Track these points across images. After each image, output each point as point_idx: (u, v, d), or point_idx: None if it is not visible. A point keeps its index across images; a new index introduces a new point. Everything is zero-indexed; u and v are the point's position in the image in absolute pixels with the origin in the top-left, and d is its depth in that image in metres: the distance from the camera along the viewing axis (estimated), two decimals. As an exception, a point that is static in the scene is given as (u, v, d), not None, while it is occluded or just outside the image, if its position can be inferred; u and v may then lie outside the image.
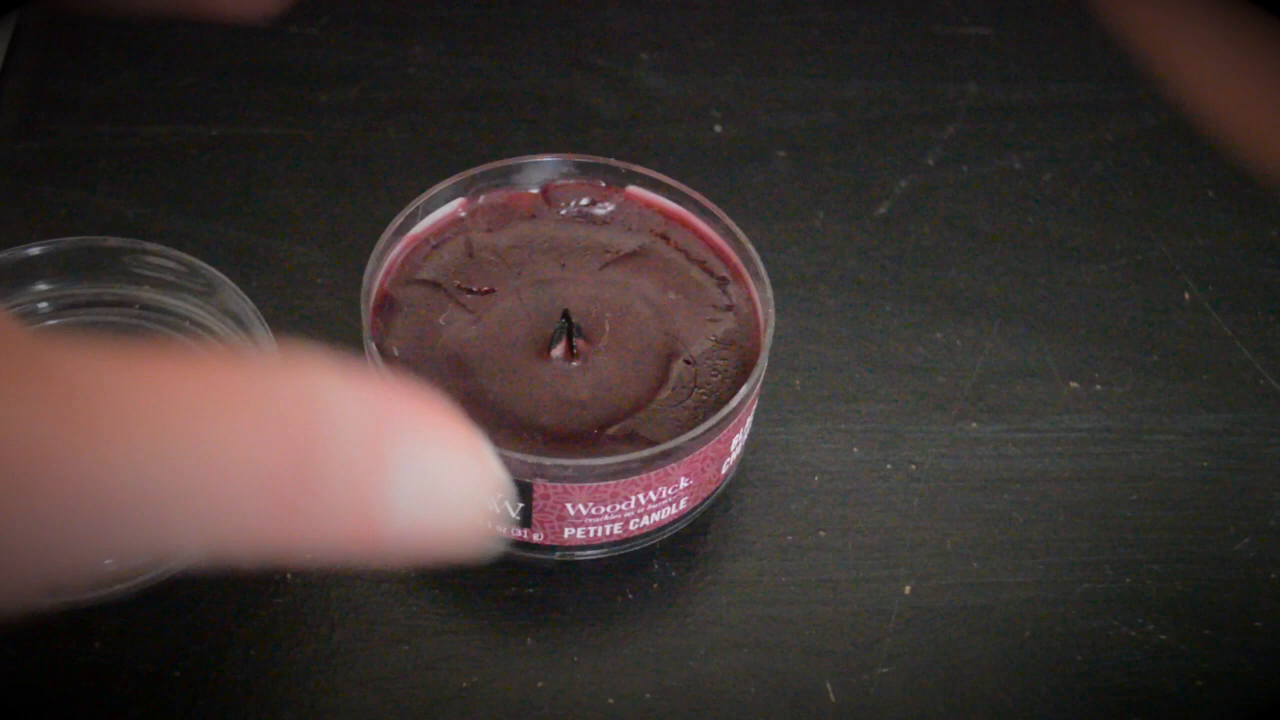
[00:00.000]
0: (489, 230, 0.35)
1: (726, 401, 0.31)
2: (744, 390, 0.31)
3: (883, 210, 0.42)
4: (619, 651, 0.32)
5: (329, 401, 0.21)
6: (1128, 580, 0.34)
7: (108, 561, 0.19)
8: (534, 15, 0.47)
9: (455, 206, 0.35)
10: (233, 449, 0.20)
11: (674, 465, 0.31)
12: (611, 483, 0.30)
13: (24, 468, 0.19)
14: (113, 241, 0.35)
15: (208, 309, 0.35)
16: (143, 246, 0.35)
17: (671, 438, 0.31)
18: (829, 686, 0.32)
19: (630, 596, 0.33)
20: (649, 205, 0.36)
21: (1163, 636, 0.33)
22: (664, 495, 0.31)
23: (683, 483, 0.32)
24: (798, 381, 0.38)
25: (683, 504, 0.32)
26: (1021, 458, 0.37)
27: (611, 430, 0.31)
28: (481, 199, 0.35)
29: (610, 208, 0.36)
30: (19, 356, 0.19)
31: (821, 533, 0.35)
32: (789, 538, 0.35)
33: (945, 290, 0.40)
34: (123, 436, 0.19)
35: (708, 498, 0.33)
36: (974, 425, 0.37)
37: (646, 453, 0.30)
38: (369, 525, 0.21)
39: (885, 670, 0.32)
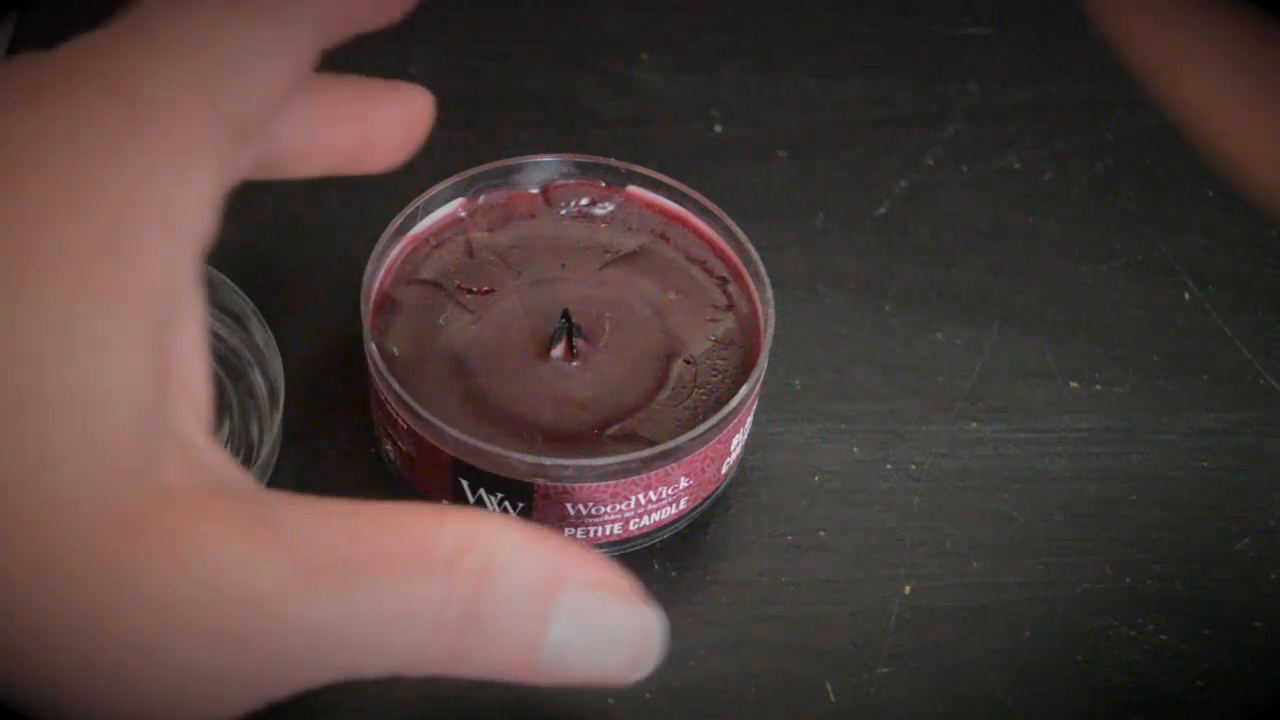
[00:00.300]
0: (489, 230, 0.35)
1: (726, 401, 0.31)
2: (744, 390, 0.31)
3: (883, 210, 0.42)
4: (619, 651, 0.32)
5: (502, 555, 0.25)
6: (1128, 580, 0.34)
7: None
8: (534, 15, 0.47)
9: (455, 206, 0.35)
10: (415, 598, 0.24)
11: (674, 465, 0.31)
12: (611, 483, 0.30)
13: (247, 616, 0.22)
14: None
15: (207, 309, 0.35)
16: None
17: (671, 438, 0.31)
18: (829, 686, 0.32)
19: (630, 596, 0.33)
20: (649, 205, 0.36)
21: (1163, 636, 0.33)
22: (664, 495, 0.31)
23: (683, 483, 0.32)
24: (798, 381, 0.38)
25: (683, 504, 0.32)
26: (1021, 458, 0.37)
27: (611, 430, 0.31)
28: (481, 199, 0.35)
29: (610, 208, 0.36)
30: (251, 513, 0.23)
31: (821, 533, 0.35)
32: (789, 538, 0.35)
33: (945, 290, 0.40)
34: (334, 586, 0.23)
35: (708, 498, 0.33)
36: (974, 425, 0.37)
37: (646, 453, 0.30)
38: (528, 667, 0.25)
39: (885, 670, 0.32)
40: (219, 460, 0.24)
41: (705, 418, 0.31)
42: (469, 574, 0.24)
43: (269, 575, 0.22)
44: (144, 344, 0.22)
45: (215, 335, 0.35)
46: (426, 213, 0.35)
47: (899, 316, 0.40)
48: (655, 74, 0.45)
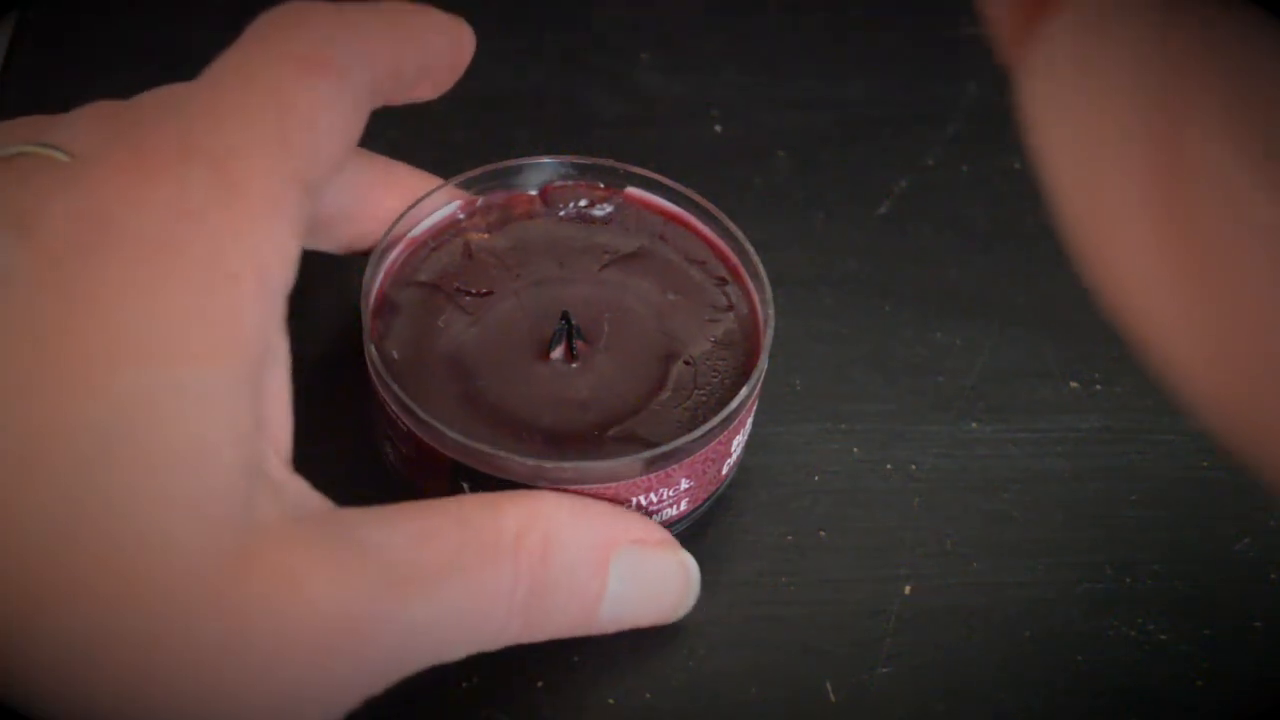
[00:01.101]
0: (488, 232, 0.35)
1: (727, 402, 0.31)
2: (744, 391, 0.31)
3: (883, 210, 0.42)
4: (619, 651, 0.32)
5: (558, 530, 0.27)
6: (1128, 580, 0.34)
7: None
8: (534, 15, 0.47)
9: (454, 208, 0.35)
10: (489, 585, 0.26)
11: (675, 467, 0.31)
12: (612, 485, 0.30)
13: (347, 632, 0.24)
14: None
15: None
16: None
17: (672, 439, 0.31)
18: (829, 686, 0.32)
19: (630, 597, 0.33)
20: (648, 206, 0.36)
21: (1163, 636, 0.33)
22: (665, 497, 0.31)
23: (683, 484, 0.32)
24: (798, 381, 0.38)
25: (683, 505, 0.32)
26: (1021, 458, 0.37)
27: (612, 432, 0.31)
28: (480, 200, 0.35)
29: (609, 209, 0.36)
30: (335, 536, 0.25)
31: (821, 533, 0.35)
32: (789, 538, 0.35)
33: (945, 290, 0.40)
34: (418, 592, 0.25)
35: (707, 499, 0.33)
36: (974, 425, 0.37)
37: (647, 454, 0.30)
38: (589, 624, 0.29)
39: (885, 670, 0.32)
40: (300, 490, 0.26)
41: (705, 419, 0.31)
42: (532, 552, 0.27)
43: (361, 592, 0.24)
44: (244, 395, 0.24)
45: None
46: (425, 214, 0.35)
47: (899, 316, 0.40)
48: (655, 74, 0.46)
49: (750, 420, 0.34)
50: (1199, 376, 0.18)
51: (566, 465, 0.30)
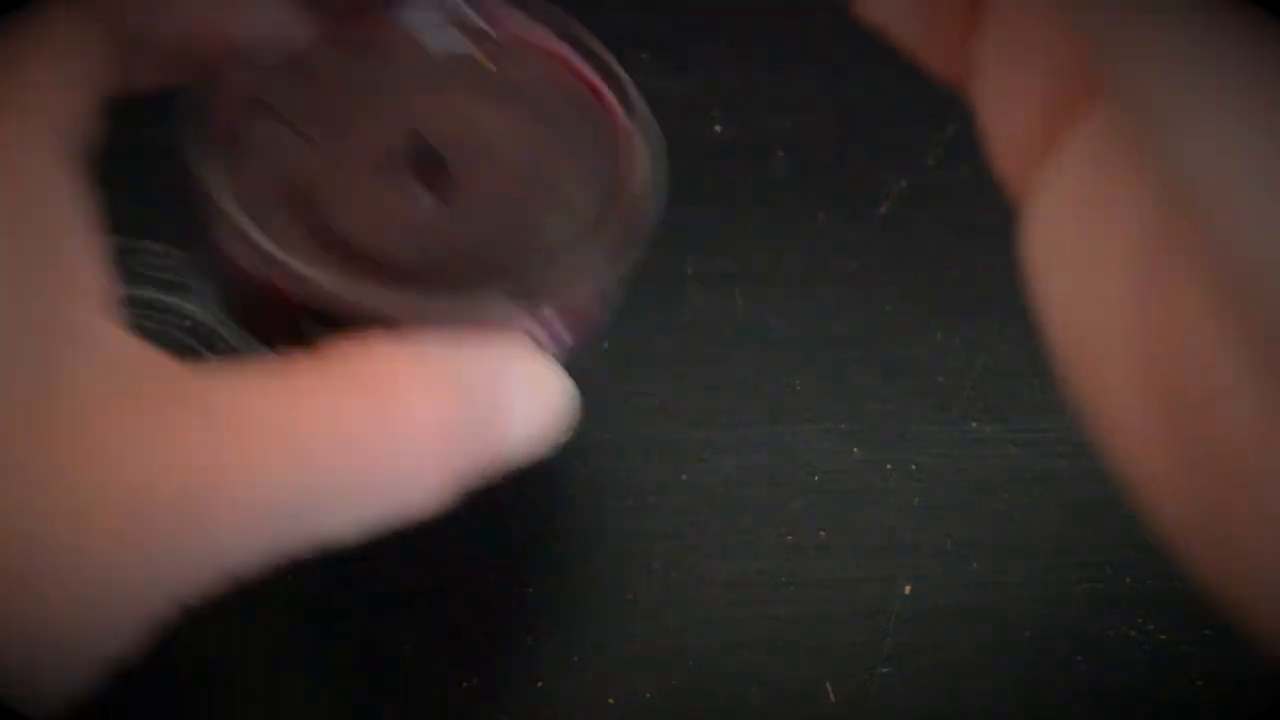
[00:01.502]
0: (345, 60, 0.31)
1: (596, 236, 0.29)
2: (611, 220, 0.29)
3: (883, 210, 0.42)
4: (619, 651, 0.32)
5: (449, 366, 0.24)
6: (1128, 580, 0.34)
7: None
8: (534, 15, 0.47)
9: (306, 29, 0.31)
10: (375, 443, 0.23)
11: (546, 305, 0.28)
12: (480, 322, 0.28)
13: (175, 502, 0.21)
14: (113, 241, 0.35)
15: (208, 308, 0.35)
16: (143, 246, 0.35)
17: (544, 276, 0.28)
18: (829, 686, 0.32)
19: (630, 596, 0.33)
20: (525, 39, 0.33)
21: (1163, 636, 0.33)
22: (540, 338, 0.29)
23: (558, 326, 0.29)
24: (798, 382, 0.38)
25: (560, 352, 0.30)
26: (1021, 458, 0.37)
27: (479, 269, 0.29)
28: (335, 20, 0.31)
29: (485, 42, 0.33)
30: (169, 395, 0.22)
31: (821, 533, 0.35)
32: (789, 538, 0.35)
33: (945, 290, 0.40)
34: (270, 460, 0.22)
35: (582, 345, 0.31)
36: (974, 425, 0.37)
37: (514, 288, 0.28)
38: (498, 454, 0.25)
39: (885, 670, 0.32)
40: (129, 348, 0.22)
41: (579, 254, 0.29)
42: (423, 395, 0.23)
43: (196, 459, 0.21)
44: (27, 250, 0.21)
45: (217, 335, 0.35)
46: (270, 34, 0.29)
47: (899, 316, 0.40)
48: (655, 74, 0.45)
49: (624, 277, 0.31)
50: (1176, 520, 0.19)
51: (431, 303, 0.27)
